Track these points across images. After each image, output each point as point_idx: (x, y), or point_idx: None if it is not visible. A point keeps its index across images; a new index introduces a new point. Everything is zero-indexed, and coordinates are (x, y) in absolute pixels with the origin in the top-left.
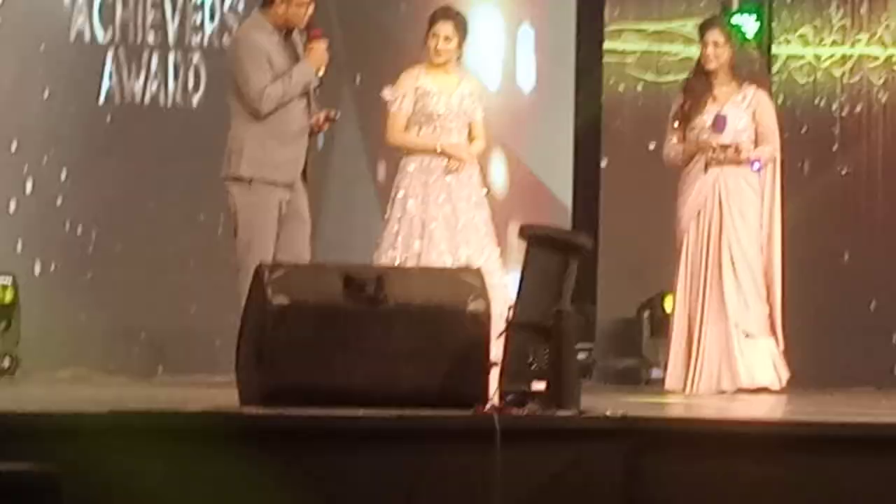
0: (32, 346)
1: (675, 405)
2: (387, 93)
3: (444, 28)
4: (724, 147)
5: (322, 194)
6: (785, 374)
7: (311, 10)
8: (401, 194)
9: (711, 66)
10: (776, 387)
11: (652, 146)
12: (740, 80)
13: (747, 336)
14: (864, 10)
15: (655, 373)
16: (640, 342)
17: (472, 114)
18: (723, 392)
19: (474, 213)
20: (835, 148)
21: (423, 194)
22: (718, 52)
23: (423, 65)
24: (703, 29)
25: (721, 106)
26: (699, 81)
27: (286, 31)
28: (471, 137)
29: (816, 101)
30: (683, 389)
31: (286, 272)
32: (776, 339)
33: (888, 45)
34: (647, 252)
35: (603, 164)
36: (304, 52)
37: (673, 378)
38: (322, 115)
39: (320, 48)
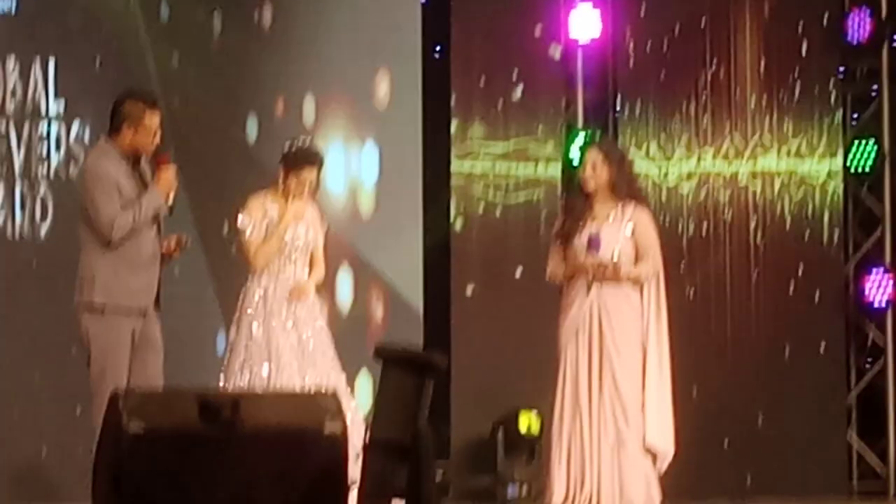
0: None
1: None
2: (241, 220)
3: (310, 174)
4: (603, 266)
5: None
6: (658, 495)
7: (157, 137)
8: (247, 318)
9: (590, 187)
10: None
11: (518, 273)
12: (620, 197)
13: (626, 454)
14: (705, 124)
15: (511, 491)
16: (495, 460)
17: (314, 243)
18: None
19: (320, 337)
20: (682, 268)
21: (269, 319)
22: (598, 173)
23: (269, 190)
24: (583, 149)
25: (600, 224)
26: (578, 200)
27: (134, 158)
28: (311, 264)
29: (663, 220)
30: None
31: (141, 399)
32: (652, 457)
33: (731, 160)
34: (500, 370)
35: (469, 291)
36: (152, 179)
37: (555, 496)
38: (173, 241)
39: (169, 174)
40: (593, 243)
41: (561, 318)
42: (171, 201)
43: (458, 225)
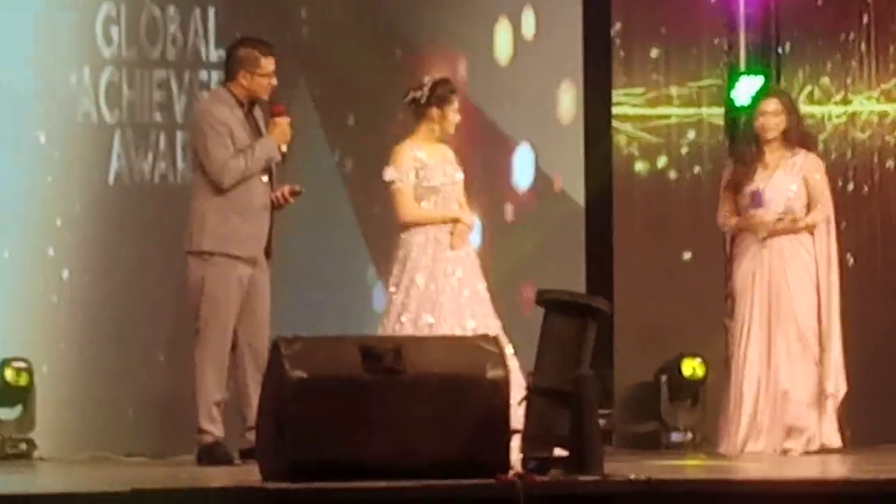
0: (49, 429)
1: (698, 468)
2: (389, 172)
3: (457, 102)
4: (776, 223)
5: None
6: (836, 437)
7: (274, 81)
8: (409, 266)
9: (770, 136)
10: (832, 445)
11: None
12: (791, 144)
13: (799, 401)
14: (871, 65)
15: (675, 437)
16: (658, 406)
17: (460, 181)
18: (786, 452)
19: (477, 283)
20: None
21: (431, 267)
22: (777, 122)
23: (412, 138)
24: (758, 98)
25: (771, 173)
26: (748, 148)
27: (249, 105)
28: (459, 203)
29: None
30: (741, 452)
31: (303, 345)
32: (827, 401)
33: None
34: (663, 315)
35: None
36: (267, 127)
37: (729, 443)
38: (286, 190)
39: (283, 124)
40: (755, 199)
41: (734, 265)
42: (284, 148)
43: (619, 171)
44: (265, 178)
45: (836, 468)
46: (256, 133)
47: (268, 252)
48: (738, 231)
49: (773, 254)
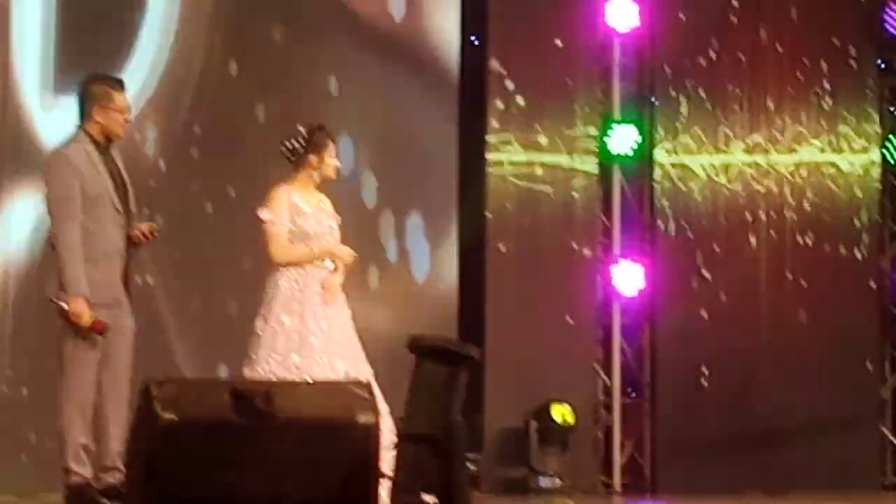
0: None
1: None
2: (265, 212)
3: (334, 149)
4: None
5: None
6: None
7: (129, 116)
8: (276, 308)
9: None
10: None
11: (553, 268)
12: None
13: None
14: (742, 117)
15: (544, 482)
16: (527, 452)
17: (335, 230)
18: None
19: (348, 328)
20: (716, 250)
21: (300, 308)
22: None
23: (289, 184)
24: None
25: None
26: None
27: (106, 143)
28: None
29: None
30: None
31: (174, 387)
32: None
33: (767, 153)
34: (534, 362)
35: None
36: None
37: None
38: (145, 227)
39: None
40: None
41: None
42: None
43: (492, 216)
44: (120, 221)
45: None
46: (114, 173)
47: (128, 289)
48: None
49: None
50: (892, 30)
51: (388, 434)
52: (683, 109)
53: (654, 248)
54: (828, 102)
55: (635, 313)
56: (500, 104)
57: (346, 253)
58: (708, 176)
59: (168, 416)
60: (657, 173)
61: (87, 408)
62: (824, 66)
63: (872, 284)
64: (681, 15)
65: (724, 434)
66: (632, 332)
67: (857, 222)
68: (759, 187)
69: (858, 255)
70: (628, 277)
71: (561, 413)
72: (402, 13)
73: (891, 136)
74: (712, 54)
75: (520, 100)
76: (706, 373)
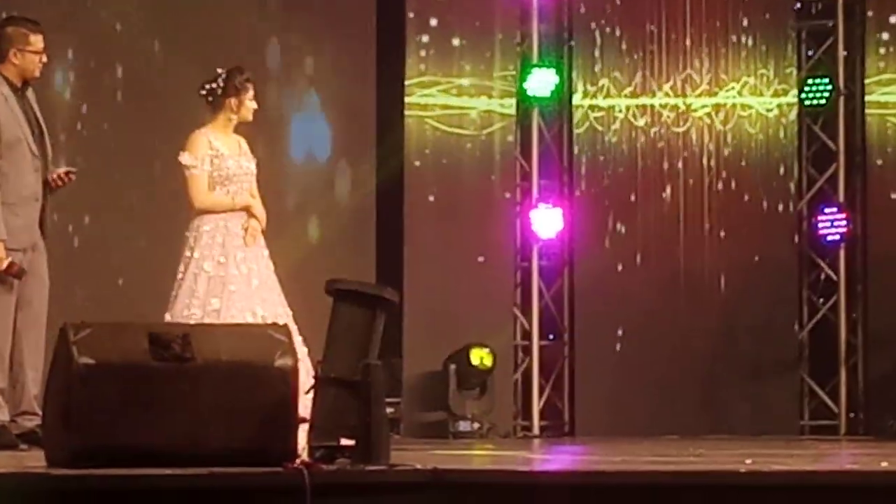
0: None
1: (485, 457)
2: (185, 157)
3: (252, 90)
4: None
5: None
6: None
7: (44, 58)
8: (196, 254)
9: None
10: None
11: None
12: None
13: None
14: (661, 59)
15: (463, 426)
16: (446, 396)
17: (253, 172)
18: None
19: (267, 272)
20: (633, 198)
21: (220, 254)
22: None
23: (208, 127)
24: None
25: None
26: None
27: (22, 86)
28: (252, 194)
29: (617, 155)
30: None
31: (91, 332)
32: None
33: (686, 95)
34: (452, 305)
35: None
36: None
37: None
38: (62, 171)
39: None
40: None
41: None
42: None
43: (411, 160)
44: (37, 165)
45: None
46: (30, 117)
47: (43, 233)
48: None
49: None
50: None
51: (306, 378)
52: (600, 51)
53: (572, 191)
54: (746, 45)
55: (554, 256)
56: (418, 48)
57: (261, 217)
58: (626, 119)
59: (84, 359)
60: (576, 116)
61: (5, 352)
62: (742, 6)
63: (791, 230)
64: None
65: (642, 377)
66: (551, 276)
67: (774, 167)
68: (677, 129)
69: (777, 201)
70: (547, 221)
71: (480, 356)
72: None
73: (808, 80)
74: None
75: (438, 43)
76: (624, 316)
